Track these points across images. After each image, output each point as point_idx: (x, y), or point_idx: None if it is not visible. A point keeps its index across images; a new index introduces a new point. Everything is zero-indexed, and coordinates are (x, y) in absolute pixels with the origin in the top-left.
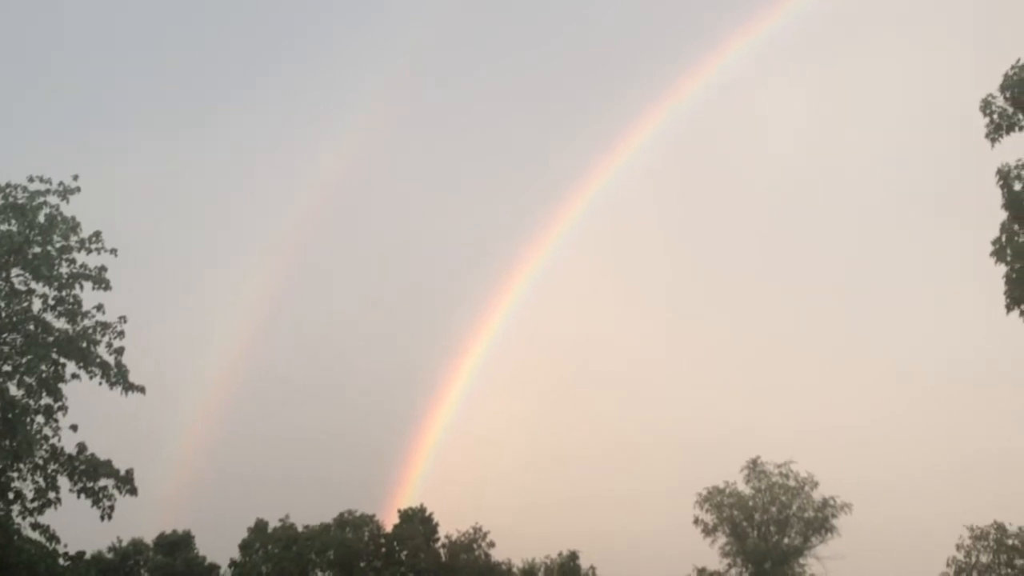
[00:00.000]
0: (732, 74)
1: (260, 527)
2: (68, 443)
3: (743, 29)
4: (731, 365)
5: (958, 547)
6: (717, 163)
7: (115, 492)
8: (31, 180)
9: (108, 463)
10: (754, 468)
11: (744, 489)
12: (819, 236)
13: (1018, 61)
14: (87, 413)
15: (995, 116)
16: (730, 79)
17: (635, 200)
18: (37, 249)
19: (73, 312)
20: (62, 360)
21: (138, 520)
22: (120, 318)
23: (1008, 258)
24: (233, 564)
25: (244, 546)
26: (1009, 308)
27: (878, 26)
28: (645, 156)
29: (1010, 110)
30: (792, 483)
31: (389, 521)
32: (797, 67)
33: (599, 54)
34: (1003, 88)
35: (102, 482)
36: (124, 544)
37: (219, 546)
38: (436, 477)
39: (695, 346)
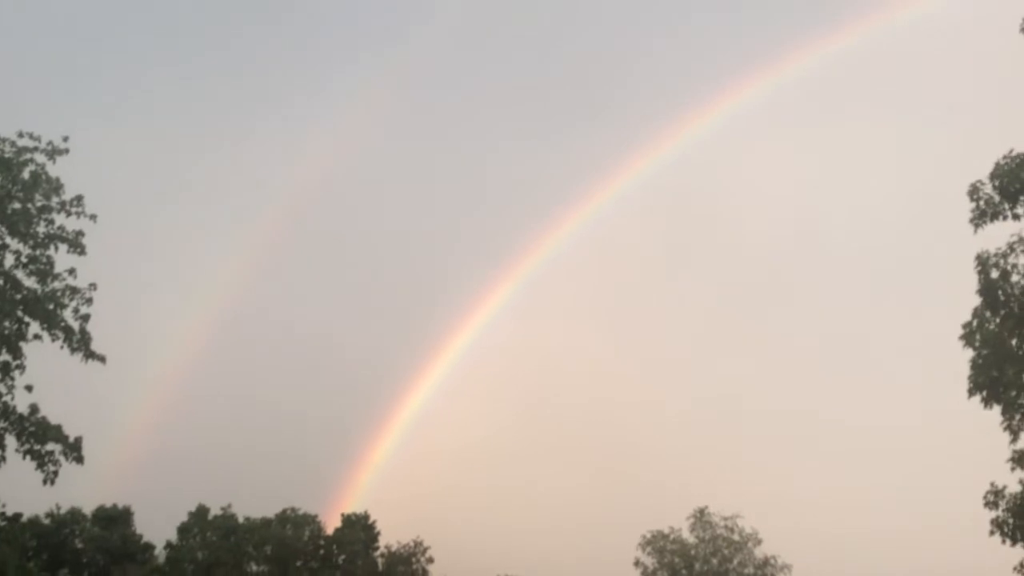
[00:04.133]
0: (724, 132)
1: (201, 512)
2: (21, 403)
3: (738, 87)
4: (703, 418)
5: None
6: (702, 217)
7: (61, 458)
8: (20, 136)
9: (58, 428)
10: (700, 517)
11: (688, 537)
12: (791, 302)
13: (1011, 151)
14: (44, 375)
15: (981, 202)
16: (721, 136)
17: (622, 237)
18: (17, 205)
19: (44, 272)
20: (27, 319)
21: (80, 489)
22: (90, 285)
23: (976, 344)
24: (169, 546)
25: (182, 529)
26: (971, 393)
27: (879, 99)
28: (641, 192)
29: (997, 198)
30: (736, 537)
31: (332, 524)
32: (790, 132)
33: (593, 80)
34: (992, 176)
35: (49, 446)
36: (62, 512)
37: (158, 526)
38: (385, 486)
39: (666, 393)
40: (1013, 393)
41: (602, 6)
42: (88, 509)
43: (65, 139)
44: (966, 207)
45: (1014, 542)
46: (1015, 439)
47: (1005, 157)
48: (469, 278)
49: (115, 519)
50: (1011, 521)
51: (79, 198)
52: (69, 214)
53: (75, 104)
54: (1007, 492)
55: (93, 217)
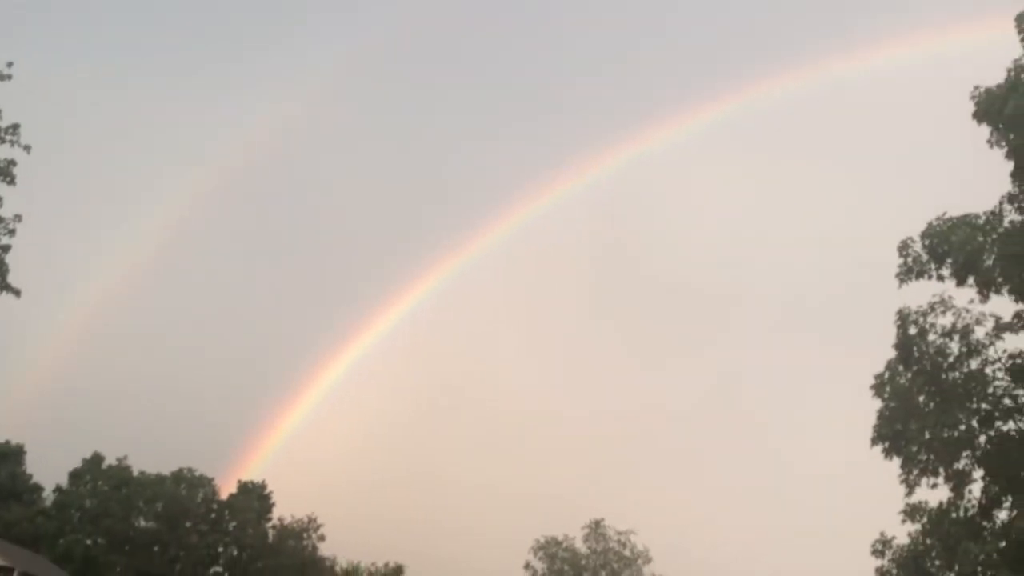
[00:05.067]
0: (675, 150)
1: (95, 460)
2: None
3: (694, 108)
4: (608, 432)
5: None
6: (643, 229)
7: None
8: None
9: None
10: (595, 529)
11: (581, 547)
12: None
13: (943, 214)
14: None
15: (909, 260)
16: (672, 155)
17: (557, 243)
18: None
19: None
20: None
21: None
22: (15, 216)
23: (885, 395)
24: (59, 490)
25: (74, 475)
26: (874, 442)
27: (835, 135)
28: (577, 204)
29: (924, 257)
30: (628, 553)
31: (227, 489)
32: (741, 157)
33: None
34: (923, 235)
35: None
36: None
37: (49, 469)
38: (286, 460)
39: (580, 404)
40: (914, 448)
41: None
42: None
43: (9, 65)
44: (894, 261)
45: None
46: (910, 492)
47: (937, 219)
48: (396, 267)
49: (6, 456)
50: (894, 572)
51: (15, 126)
52: (3, 141)
53: (27, 36)
54: (895, 543)
55: (27, 148)
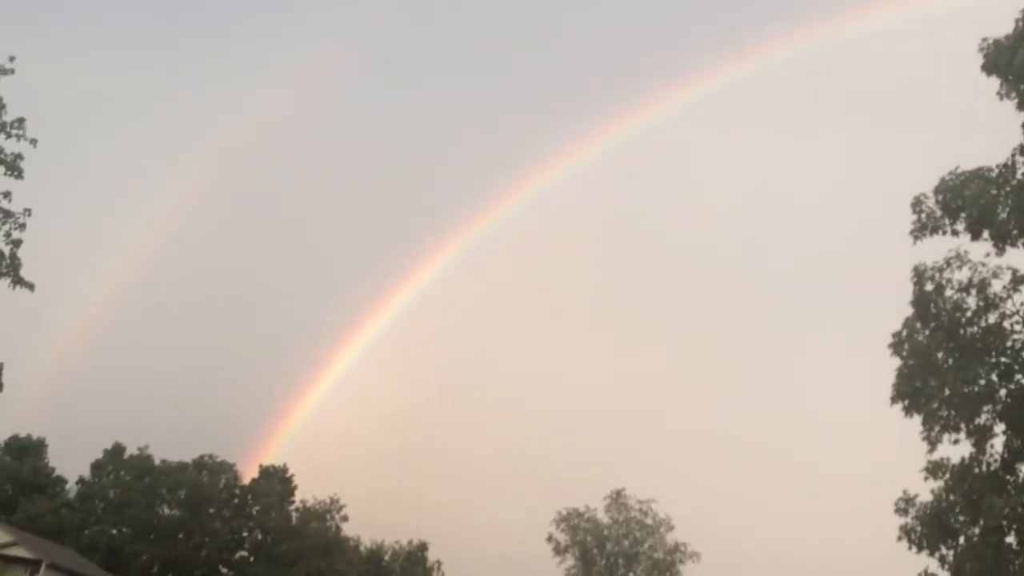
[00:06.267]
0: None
1: (117, 451)
2: None
3: (691, 81)
4: (626, 406)
5: None
6: (647, 207)
7: None
8: None
9: None
10: (616, 499)
11: (603, 517)
12: (736, 294)
13: (956, 168)
14: None
15: (923, 216)
16: (671, 132)
17: (567, 218)
18: None
19: None
20: None
21: None
22: (25, 210)
23: (904, 353)
24: (81, 481)
25: (96, 466)
26: (893, 401)
27: (833, 103)
28: (583, 181)
29: (938, 212)
30: (649, 521)
31: (249, 474)
32: (740, 131)
33: (539, 66)
34: (936, 190)
35: None
36: None
37: (72, 461)
38: (305, 442)
39: (591, 380)
40: (935, 405)
41: None
42: (2, 438)
43: (12, 59)
44: (907, 219)
45: (920, 550)
46: (932, 449)
47: (950, 173)
48: (406, 248)
49: (28, 449)
50: (919, 529)
51: (21, 120)
52: (9, 136)
53: (31, 29)
54: (918, 500)
55: (34, 141)
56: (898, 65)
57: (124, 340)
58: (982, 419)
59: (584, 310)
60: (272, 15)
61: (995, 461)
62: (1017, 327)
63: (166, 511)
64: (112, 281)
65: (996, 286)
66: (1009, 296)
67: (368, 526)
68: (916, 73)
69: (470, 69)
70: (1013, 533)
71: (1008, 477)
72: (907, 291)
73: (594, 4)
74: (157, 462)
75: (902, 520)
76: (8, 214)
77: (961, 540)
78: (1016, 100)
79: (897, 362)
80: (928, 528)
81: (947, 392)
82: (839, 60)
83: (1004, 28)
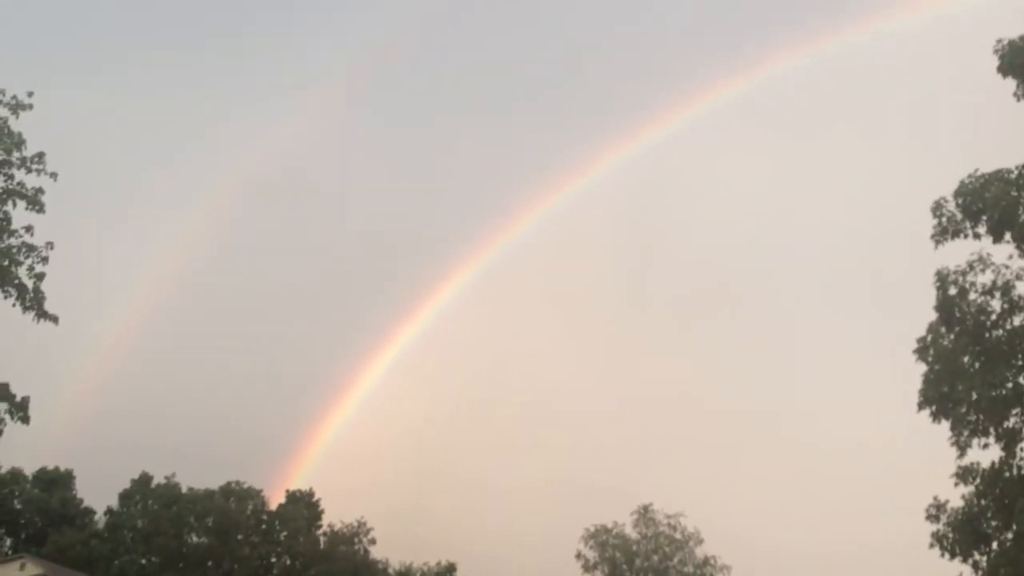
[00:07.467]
0: (699, 131)
1: (144, 480)
2: None
3: (714, 87)
4: (653, 420)
5: None
6: (671, 215)
7: (6, 417)
8: None
9: (5, 386)
10: (644, 514)
11: (631, 533)
12: (759, 303)
13: (976, 171)
14: None
15: (943, 220)
16: (696, 136)
17: (585, 233)
18: None
19: (0, 229)
20: None
21: (22, 450)
22: (47, 243)
23: (929, 358)
24: (110, 512)
25: (124, 496)
26: (921, 407)
27: (853, 109)
28: (604, 190)
29: (959, 216)
30: (678, 536)
31: (275, 499)
32: (766, 133)
33: (558, 76)
34: (956, 194)
35: None
36: (3, 472)
37: (99, 491)
38: (331, 465)
39: (622, 395)
40: (963, 409)
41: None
42: (30, 470)
43: (30, 94)
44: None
45: (952, 556)
46: (962, 455)
47: (970, 176)
48: (425, 265)
49: (56, 481)
50: (951, 535)
51: (40, 155)
52: (29, 170)
53: (45, 62)
54: (949, 506)
55: (54, 175)
56: (916, 69)
57: (148, 369)
58: (1011, 422)
59: (602, 321)
60: (293, 39)
61: None
62: None
63: (195, 539)
64: (134, 311)
65: (1020, 288)
66: None
67: (393, 547)
68: (934, 76)
69: (491, 88)
70: None
71: None
72: (931, 296)
73: (610, 19)
74: (184, 490)
75: (934, 527)
76: (31, 248)
77: (994, 545)
78: None
79: (923, 367)
80: (960, 534)
81: (974, 396)
82: (857, 66)
83: (1019, 29)
